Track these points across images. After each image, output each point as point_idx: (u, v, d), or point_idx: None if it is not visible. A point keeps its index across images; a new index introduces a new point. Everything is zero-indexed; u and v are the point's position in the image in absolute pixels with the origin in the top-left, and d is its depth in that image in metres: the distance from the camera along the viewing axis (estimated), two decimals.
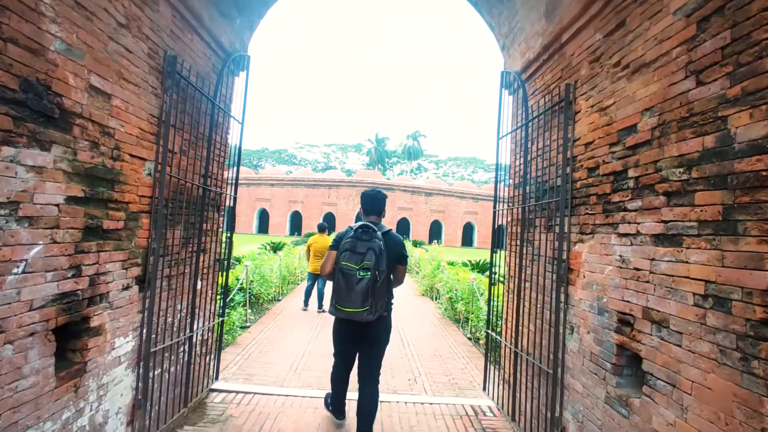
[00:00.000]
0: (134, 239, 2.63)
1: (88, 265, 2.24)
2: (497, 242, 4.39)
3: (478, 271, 14.71)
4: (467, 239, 52.70)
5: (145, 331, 2.76)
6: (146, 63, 2.67)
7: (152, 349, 2.82)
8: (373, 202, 3.17)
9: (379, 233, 2.91)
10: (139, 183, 2.66)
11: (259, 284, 7.73)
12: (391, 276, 3.10)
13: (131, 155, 2.56)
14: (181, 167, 3.16)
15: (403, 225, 51.72)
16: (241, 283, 7.17)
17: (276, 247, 18.92)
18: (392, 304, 3.15)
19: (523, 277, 3.63)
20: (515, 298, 3.77)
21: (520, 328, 3.57)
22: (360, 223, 2.99)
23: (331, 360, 3.57)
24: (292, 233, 51.43)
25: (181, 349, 3.33)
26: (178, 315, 3.27)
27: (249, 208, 53.16)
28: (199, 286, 3.60)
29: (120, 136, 2.45)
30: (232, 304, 6.63)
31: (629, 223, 2.26)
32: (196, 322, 3.56)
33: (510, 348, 3.76)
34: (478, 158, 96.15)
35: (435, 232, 52.75)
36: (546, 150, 3.34)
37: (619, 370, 2.33)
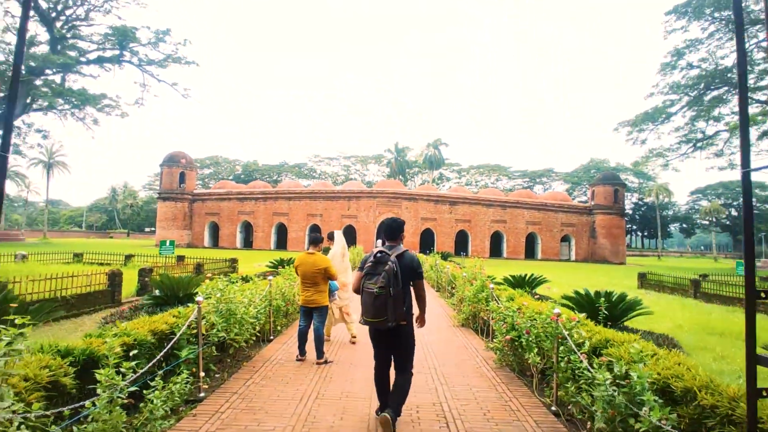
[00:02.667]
0: None
1: None
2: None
3: (523, 290, 11.87)
4: (495, 250, 49.30)
5: None
6: None
7: None
8: (389, 230, 3.87)
9: (392, 256, 3.64)
10: None
11: (226, 327, 5.11)
12: (412, 290, 3.83)
13: None
14: None
15: (427, 236, 48.74)
16: (190, 328, 4.57)
17: (281, 265, 16.48)
18: (412, 315, 3.85)
19: None
20: None
21: None
22: (377, 249, 3.76)
23: None
24: None
25: None
26: None
27: (266, 223, 51.17)
28: None
29: None
30: (163, 370, 4.02)
31: None
32: None
33: None
34: (502, 165, 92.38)
35: (461, 242, 49.56)
36: None
37: None
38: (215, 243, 52.63)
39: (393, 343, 3.80)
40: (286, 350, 6.41)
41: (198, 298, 4.47)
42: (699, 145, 37.88)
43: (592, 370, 3.64)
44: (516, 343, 5.41)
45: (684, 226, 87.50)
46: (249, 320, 5.47)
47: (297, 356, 5.87)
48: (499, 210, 48.93)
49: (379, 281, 3.48)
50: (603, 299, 6.22)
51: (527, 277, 12.21)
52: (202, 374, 4.52)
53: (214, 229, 53.21)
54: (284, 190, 52.91)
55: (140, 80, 42.43)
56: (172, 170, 51.25)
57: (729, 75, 36.62)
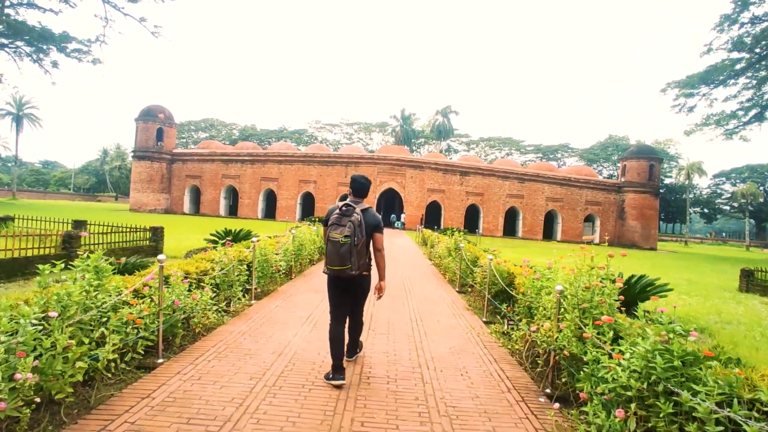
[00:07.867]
0: None
1: None
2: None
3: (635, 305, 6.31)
4: (510, 228, 43.64)
5: None
6: None
7: None
8: (360, 187, 4.02)
9: (358, 209, 3.84)
10: None
11: None
12: (371, 242, 3.97)
13: None
14: None
15: (434, 210, 42.97)
16: None
17: (227, 238, 10.95)
18: (371, 265, 4.02)
19: None
20: None
21: None
22: (343, 202, 3.88)
23: None
24: (303, 217, 43.46)
25: None
26: None
27: (253, 189, 45.37)
28: None
29: None
30: None
31: None
32: None
33: None
34: (514, 138, 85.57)
35: (471, 218, 43.91)
36: None
37: None
38: (196, 209, 47.18)
39: (354, 292, 4.02)
40: None
41: None
42: None
43: None
44: None
45: (705, 211, 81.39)
46: None
47: None
48: (516, 183, 43.06)
49: (344, 231, 3.69)
50: None
51: (635, 283, 6.58)
52: None
53: (195, 194, 47.65)
54: (274, 152, 46.95)
55: (101, 13, 35.70)
56: (148, 126, 45.30)
57: None
